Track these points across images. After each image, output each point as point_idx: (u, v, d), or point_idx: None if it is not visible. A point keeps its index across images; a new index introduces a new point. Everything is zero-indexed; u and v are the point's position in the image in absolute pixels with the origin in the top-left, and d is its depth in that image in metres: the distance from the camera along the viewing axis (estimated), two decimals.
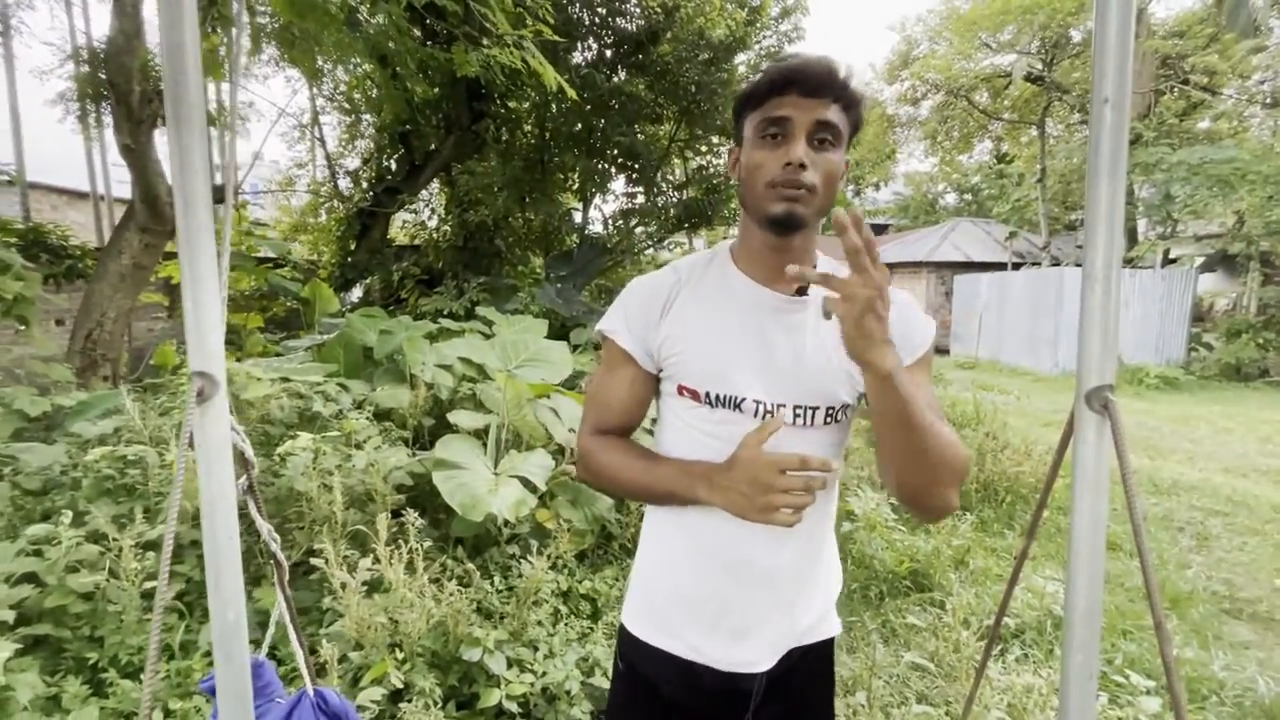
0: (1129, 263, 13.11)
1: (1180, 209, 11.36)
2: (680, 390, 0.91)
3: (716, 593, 0.90)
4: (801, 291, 0.89)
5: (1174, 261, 14.40)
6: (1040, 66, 15.90)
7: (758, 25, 8.16)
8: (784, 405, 0.87)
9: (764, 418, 0.86)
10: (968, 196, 27.15)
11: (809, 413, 0.87)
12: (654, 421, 1.03)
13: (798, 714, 0.96)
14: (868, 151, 22.61)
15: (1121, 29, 0.70)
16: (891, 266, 18.29)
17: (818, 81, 0.81)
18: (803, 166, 0.81)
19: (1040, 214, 15.82)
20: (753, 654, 0.91)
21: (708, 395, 0.88)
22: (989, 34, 16.60)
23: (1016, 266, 15.41)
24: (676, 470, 0.89)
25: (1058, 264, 14.53)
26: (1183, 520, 4.04)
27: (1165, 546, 3.62)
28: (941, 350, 15.75)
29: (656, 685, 0.96)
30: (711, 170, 9.18)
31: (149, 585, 1.87)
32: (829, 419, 0.88)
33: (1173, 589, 3.05)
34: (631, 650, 0.98)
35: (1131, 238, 14.17)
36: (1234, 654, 2.48)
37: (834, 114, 0.82)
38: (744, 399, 0.86)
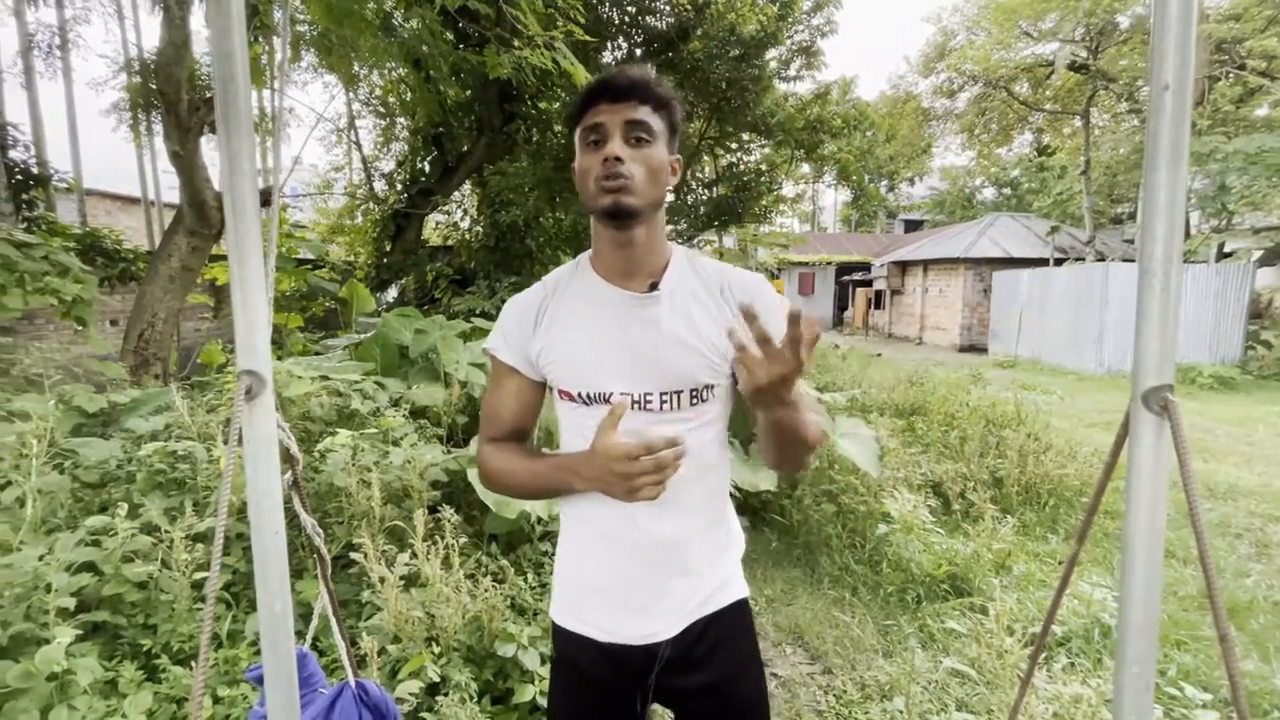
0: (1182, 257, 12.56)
1: (1236, 200, 10.84)
2: (561, 394, 1.00)
3: (620, 574, 0.98)
4: (653, 287, 0.97)
5: (1229, 255, 13.74)
6: (1084, 54, 15.33)
7: (789, 20, 8.06)
8: (651, 394, 0.95)
9: (635, 408, 0.94)
10: (1006, 190, 26.40)
11: (674, 397, 0.95)
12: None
13: (720, 684, 1.02)
14: (903, 145, 22.13)
15: (1183, 11, 0.67)
16: (927, 264, 17.89)
17: (622, 88, 0.90)
18: (619, 160, 0.89)
19: (1084, 207, 15.28)
20: (655, 624, 0.98)
21: (581, 395, 0.97)
22: (1029, 22, 16.08)
23: (1059, 262, 14.90)
24: (552, 466, 0.96)
25: (1103, 259, 14.00)
26: (1240, 526, 3.86)
27: (1222, 554, 3.46)
28: (979, 349, 15.34)
29: (580, 667, 1.03)
30: (742, 167, 9.11)
31: (198, 576, 1.94)
32: (694, 400, 0.96)
33: (1231, 598, 2.91)
34: (558, 639, 1.06)
35: (1185, 231, 13.57)
36: None
37: (644, 114, 0.91)
38: (612, 393, 0.95)
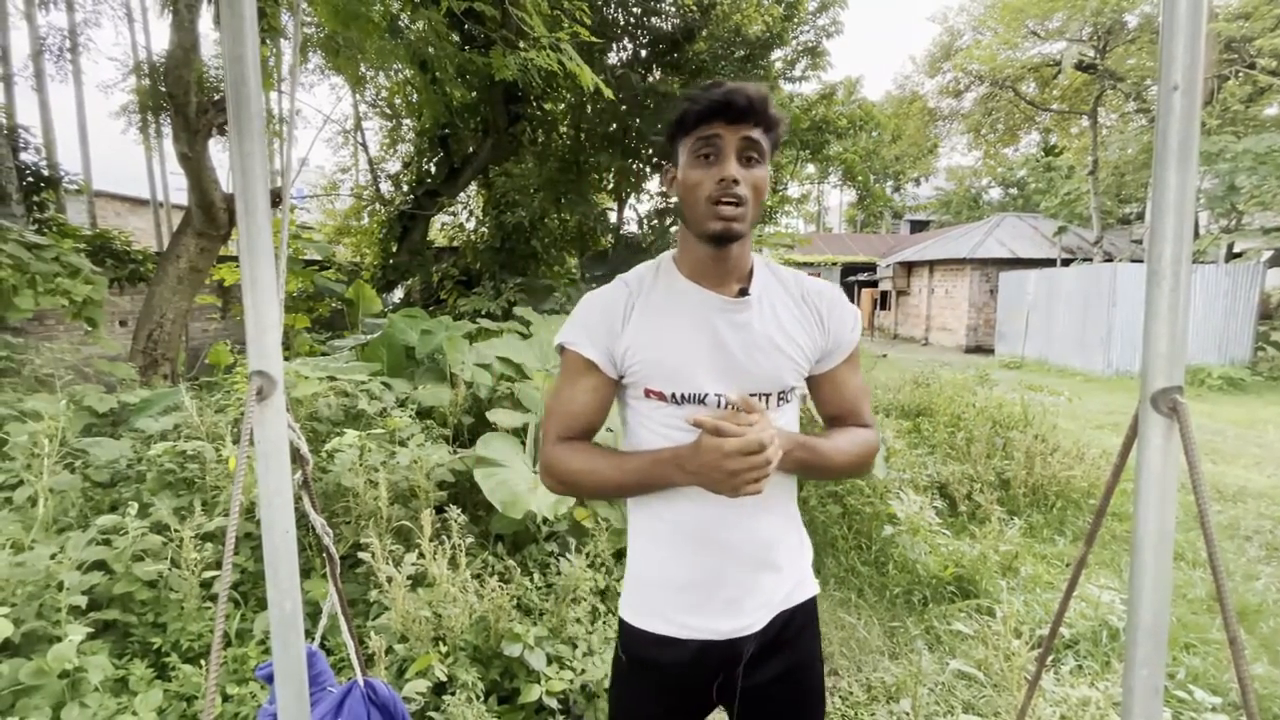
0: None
1: (1246, 200, 10.75)
2: (647, 393, 0.99)
3: (709, 571, 0.99)
4: (743, 292, 0.99)
5: (1239, 256, 13.63)
6: (1092, 54, 15.24)
7: (795, 21, 8.05)
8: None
9: (726, 408, 0.95)
10: (1013, 191, 26.28)
11: (763, 399, 0.98)
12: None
13: (794, 670, 1.05)
14: (908, 146, 22.05)
15: (1192, 12, 0.67)
16: (933, 264, 17.82)
17: (742, 108, 0.91)
18: (735, 181, 0.91)
19: (1092, 207, 15.18)
20: (746, 619, 1.00)
21: (674, 395, 0.97)
22: (1036, 21, 15.99)
23: (1066, 263, 14.82)
24: (647, 461, 0.96)
25: (1110, 259, 13.92)
26: (1250, 529, 3.83)
27: (1231, 557, 3.44)
28: (986, 350, 15.27)
29: (660, 668, 1.03)
30: None
31: (208, 575, 1.95)
32: (780, 401, 1.00)
33: (1241, 601, 2.89)
34: (633, 641, 1.05)
35: (1194, 231, 13.47)
36: None
37: (758, 134, 0.93)
38: (706, 394, 0.96)
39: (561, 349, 1.04)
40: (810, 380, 1.07)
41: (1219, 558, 0.66)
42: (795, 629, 1.04)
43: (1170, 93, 0.69)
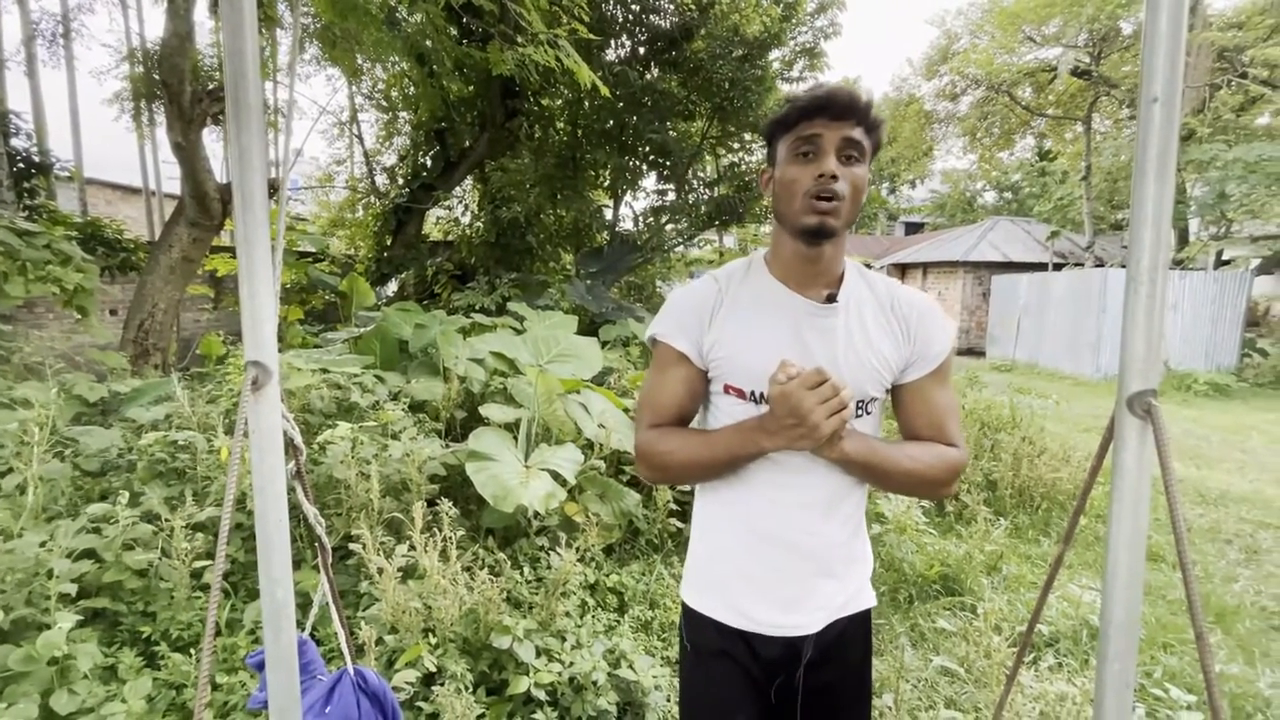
0: (1179, 264, 12.59)
1: (1235, 208, 10.85)
2: (727, 389, 1.01)
3: (770, 568, 1.00)
4: (831, 299, 0.98)
5: (1228, 263, 13.78)
6: (1087, 60, 15.34)
7: (793, 21, 8.07)
8: None
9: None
10: (1007, 195, 26.41)
11: None
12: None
13: (844, 677, 1.06)
14: (904, 148, 22.14)
15: (1173, 26, 0.69)
16: (927, 266, 17.91)
17: (844, 106, 0.91)
18: (834, 178, 0.91)
19: (1084, 213, 15.30)
20: (804, 618, 1.00)
21: (753, 394, 0.98)
22: (1033, 27, 16.07)
23: (1058, 267, 14.93)
24: (733, 432, 0.96)
25: (1102, 265, 14.04)
26: (1231, 532, 3.89)
27: (1211, 559, 3.49)
28: (977, 352, 15.37)
29: (721, 653, 1.04)
30: (743, 167, 9.11)
31: (198, 565, 1.96)
32: (860, 411, 0.98)
33: (1219, 603, 2.94)
34: (694, 625, 1.07)
35: (1183, 238, 13.60)
36: None
37: (859, 134, 0.93)
38: None
39: (654, 341, 1.05)
40: (894, 392, 1.04)
41: (1188, 555, 0.68)
42: (850, 638, 1.05)
43: (1150, 104, 0.71)
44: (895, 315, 1.01)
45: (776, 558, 0.99)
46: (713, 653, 1.05)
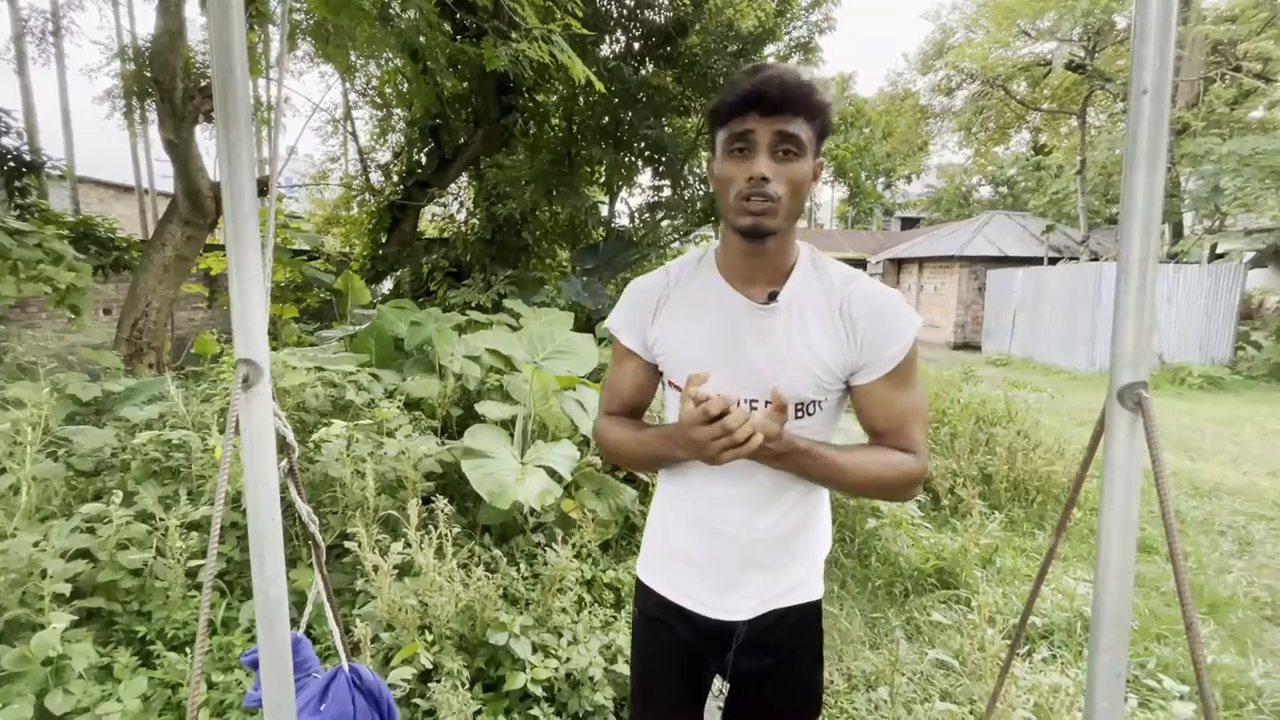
0: (1174, 258, 12.63)
1: (1229, 202, 10.90)
2: (670, 385, 1.05)
3: (705, 552, 1.04)
4: (772, 297, 0.97)
5: (1222, 256, 13.83)
6: (1082, 54, 15.36)
7: (788, 16, 8.05)
8: (756, 401, 0.97)
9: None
10: (1003, 189, 26.45)
11: (744, 403, 0.97)
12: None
13: (785, 666, 1.07)
14: (899, 144, 22.14)
15: (1163, 18, 0.69)
16: (923, 261, 17.93)
17: (776, 100, 0.86)
18: (765, 180, 0.87)
19: (1079, 207, 15.33)
20: (737, 603, 1.03)
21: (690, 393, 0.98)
22: (1028, 21, 16.08)
23: (1054, 261, 14.97)
24: (658, 435, 1.01)
25: (1097, 259, 14.08)
26: (1224, 524, 3.92)
27: (1205, 551, 3.51)
28: (973, 347, 15.41)
29: (664, 625, 1.10)
30: None
31: (193, 563, 1.95)
32: (799, 414, 0.98)
33: (1212, 594, 2.96)
34: (644, 595, 1.14)
35: (1178, 232, 13.64)
36: (1274, 661, 2.40)
37: (796, 126, 0.87)
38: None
39: (610, 332, 1.10)
40: (851, 392, 1.00)
41: (1178, 546, 0.69)
42: (789, 628, 1.05)
43: (1140, 96, 0.71)
44: (843, 316, 0.96)
45: (711, 546, 1.03)
46: (657, 621, 1.11)
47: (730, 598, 1.03)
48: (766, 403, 0.92)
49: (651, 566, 1.13)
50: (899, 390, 0.97)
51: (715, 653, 1.06)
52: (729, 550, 1.02)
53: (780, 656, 1.06)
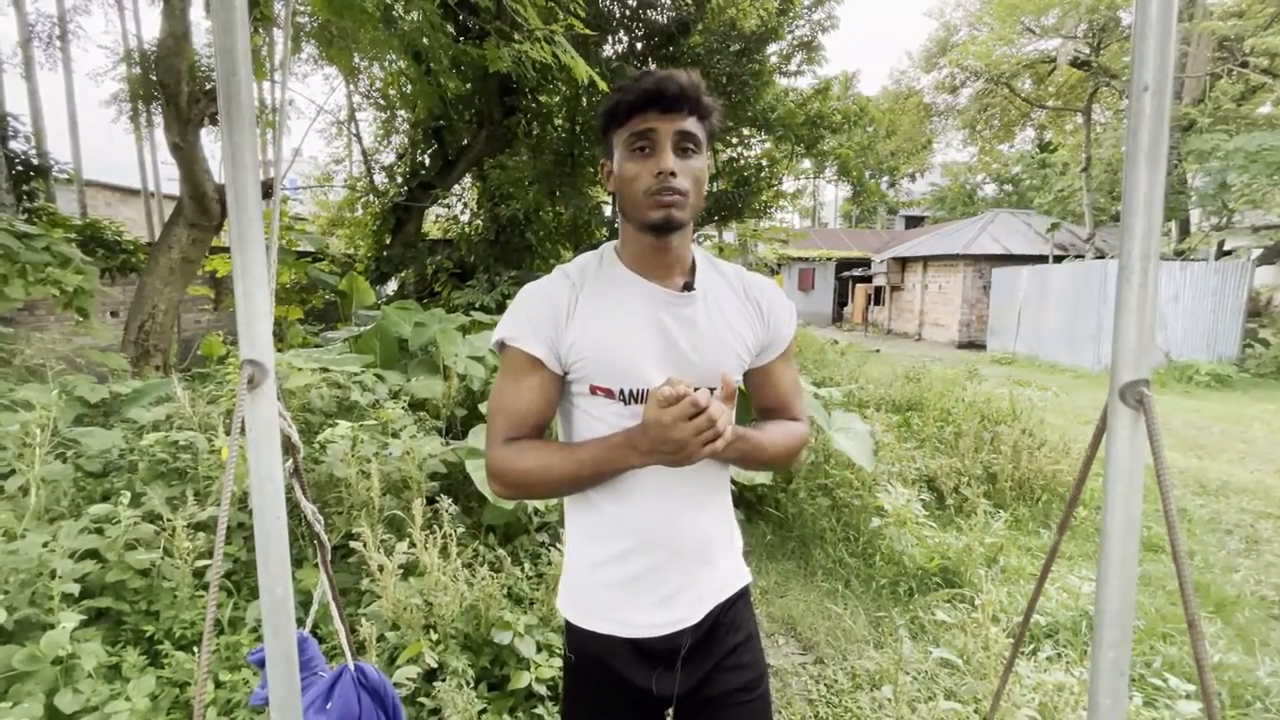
0: (1181, 255, 12.56)
1: (1237, 198, 10.83)
2: (594, 390, 0.97)
3: (645, 568, 0.99)
4: (688, 286, 0.98)
5: (1229, 253, 13.74)
6: (1087, 51, 15.29)
7: (790, 15, 8.05)
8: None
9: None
10: (1007, 187, 26.36)
11: (709, 393, 0.93)
12: None
13: (729, 656, 1.05)
14: (904, 141, 22.08)
15: (1163, 14, 0.69)
16: (927, 260, 17.88)
17: (675, 98, 0.89)
18: (673, 174, 0.90)
19: (1085, 204, 15.27)
20: (684, 612, 1.00)
21: (621, 392, 0.95)
22: (1032, 18, 16.02)
23: (1059, 259, 14.91)
24: (599, 447, 0.93)
25: (1102, 256, 14.01)
26: (1231, 523, 3.89)
27: (1211, 549, 3.50)
28: (978, 345, 15.36)
29: (601, 663, 1.04)
30: (742, 162, 9.10)
31: (200, 564, 1.97)
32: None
33: (1218, 592, 2.94)
34: (575, 638, 1.06)
35: (1185, 229, 13.57)
36: None
37: (693, 125, 0.92)
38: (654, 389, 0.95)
39: (502, 345, 0.98)
40: (746, 374, 1.06)
41: (1181, 544, 0.69)
42: (728, 622, 1.06)
43: (1141, 93, 0.70)
44: (750, 300, 1.03)
45: (658, 556, 0.98)
46: (594, 662, 1.05)
47: (672, 608, 0.99)
48: (697, 389, 0.87)
49: (582, 606, 1.04)
50: (787, 366, 1.08)
51: (657, 668, 1.02)
52: (679, 555, 0.99)
53: (724, 646, 1.05)
